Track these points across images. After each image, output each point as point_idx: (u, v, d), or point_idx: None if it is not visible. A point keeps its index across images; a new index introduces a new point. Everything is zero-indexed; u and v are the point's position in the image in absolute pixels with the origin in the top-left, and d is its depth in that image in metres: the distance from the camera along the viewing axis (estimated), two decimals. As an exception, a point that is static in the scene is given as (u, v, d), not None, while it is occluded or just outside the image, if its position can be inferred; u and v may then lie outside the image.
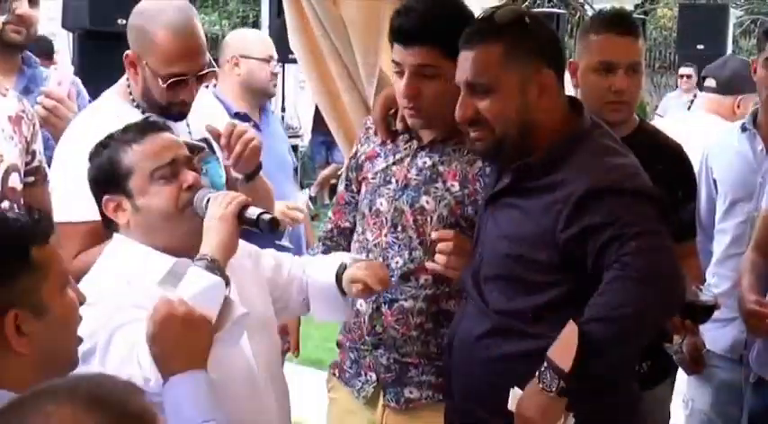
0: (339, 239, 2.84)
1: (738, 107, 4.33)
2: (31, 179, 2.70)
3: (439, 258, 2.48)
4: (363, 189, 2.71)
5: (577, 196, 2.17)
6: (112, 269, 2.19)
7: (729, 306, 3.01)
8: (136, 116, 2.61)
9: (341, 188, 2.84)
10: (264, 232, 2.22)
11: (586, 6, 17.28)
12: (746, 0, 22.71)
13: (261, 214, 2.20)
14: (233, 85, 4.03)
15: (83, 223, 2.50)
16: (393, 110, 2.68)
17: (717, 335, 3.20)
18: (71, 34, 7.77)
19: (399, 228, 2.60)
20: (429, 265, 2.51)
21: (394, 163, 2.65)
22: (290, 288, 2.48)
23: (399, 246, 2.60)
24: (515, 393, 2.18)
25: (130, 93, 2.68)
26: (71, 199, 2.53)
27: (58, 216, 2.53)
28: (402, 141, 2.67)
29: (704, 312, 2.56)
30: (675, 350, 2.64)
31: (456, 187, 2.56)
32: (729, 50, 13.68)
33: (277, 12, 9.24)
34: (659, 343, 2.68)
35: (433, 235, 2.51)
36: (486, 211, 2.40)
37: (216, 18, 20.92)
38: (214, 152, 2.80)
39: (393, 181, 2.63)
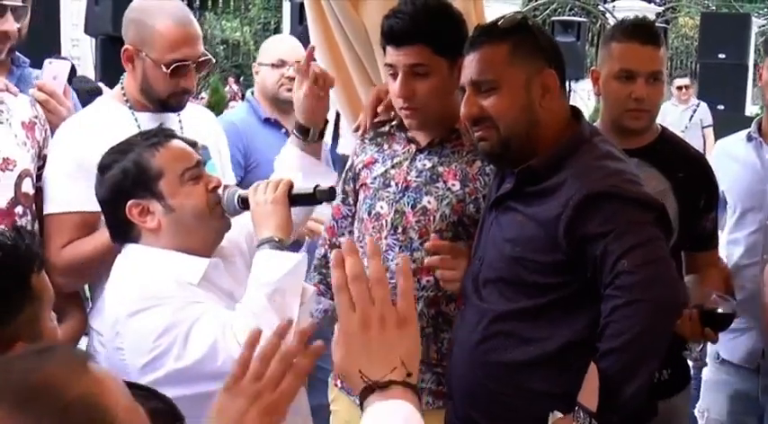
0: None
1: None
2: (42, 184, 2.71)
3: (446, 274, 2.50)
4: (362, 195, 2.73)
5: (576, 201, 2.18)
6: (147, 274, 2.18)
7: (745, 316, 3.00)
8: (125, 114, 2.71)
9: (336, 201, 2.82)
10: (323, 202, 2.35)
11: (608, 15, 17.26)
12: (769, 9, 22.63)
13: (315, 187, 2.31)
14: (257, 93, 4.06)
15: (75, 212, 2.58)
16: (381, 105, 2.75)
17: (733, 345, 3.19)
18: (94, 40, 7.83)
19: (400, 230, 2.62)
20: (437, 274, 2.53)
21: (393, 167, 2.68)
22: None
23: (400, 247, 2.61)
24: (555, 416, 2.19)
25: (124, 95, 2.76)
26: (62, 190, 2.61)
27: (49, 208, 2.64)
28: (399, 145, 2.70)
29: (724, 320, 2.57)
30: (695, 358, 2.64)
31: (457, 186, 2.59)
32: (752, 59, 13.63)
33: (299, 18, 9.26)
34: (678, 352, 2.67)
35: (426, 245, 2.53)
36: (491, 214, 2.41)
37: (237, 24, 21.01)
38: (210, 157, 2.85)
39: (393, 184, 2.66)
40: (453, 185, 2.59)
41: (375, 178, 2.69)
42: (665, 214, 2.25)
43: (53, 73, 2.88)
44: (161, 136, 2.26)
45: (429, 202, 2.59)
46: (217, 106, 13.14)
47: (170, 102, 2.72)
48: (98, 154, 2.49)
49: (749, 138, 3.25)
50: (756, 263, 3.14)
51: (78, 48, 10.88)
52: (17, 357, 1.21)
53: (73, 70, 3.22)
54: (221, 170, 2.91)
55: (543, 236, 2.24)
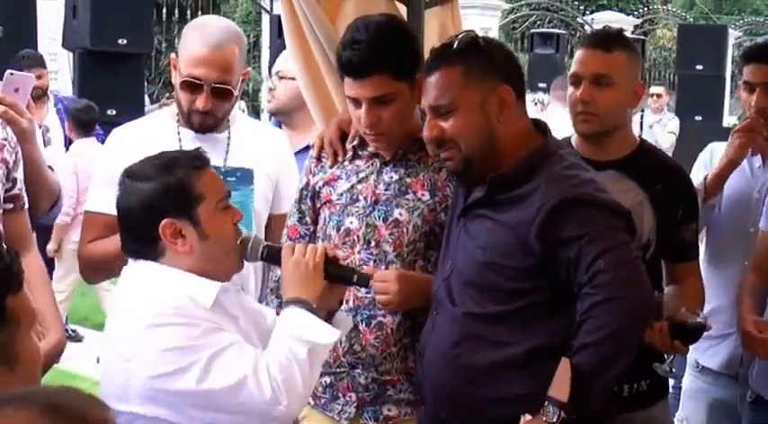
0: None
1: None
2: (10, 206, 2.69)
3: (381, 298, 2.52)
4: (327, 212, 2.70)
5: (550, 206, 2.24)
6: (164, 292, 2.15)
7: (724, 322, 3.01)
8: (171, 129, 2.81)
9: (291, 221, 2.81)
10: (357, 286, 2.43)
11: (586, 27, 17.35)
12: (745, 21, 22.85)
13: (355, 271, 2.37)
14: None
15: (108, 215, 2.58)
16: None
17: (712, 352, 3.21)
18: (72, 54, 7.80)
19: (373, 244, 2.61)
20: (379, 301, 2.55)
21: (359, 182, 2.67)
22: (262, 342, 2.42)
23: (374, 261, 2.61)
24: (525, 418, 2.22)
25: (177, 108, 2.84)
26: (101, 191, 2.77)
27: (88, 205, 2.90)
28: (362, 160, 2.69)
29: (694, 332, 2.57)
30: (665, 370, 2.64)
31: (427, 196, 2.61)
32: (729, 70, 13.73)
33: (278, 32, 9.27)
34: (653, 363, 2.67)
35: (374, 276, 2.52)
36: (459, 223, 2.44)
37: (217, 38, 21.01)
38: (251, 182, 2.83)
39: (361, 198, 2.65)
40: (423, 195, 2.61)
41: (341, 194, 2.68)
42: (631, 221, 2.34)
43: (15, 85, 2.87)
44: (203, 160, 2.23)
45: (400, 214, 2.60)
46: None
47: (191, 118, 2.77)
48: None
49: None
50: (737, 269, 3.15)
51: (56, 62, 10.82)
52: (47, 385, 1.38)
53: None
54: (269, 196, 2.91)
55: (514, 241, 2.28)
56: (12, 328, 1.59)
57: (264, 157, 2.90)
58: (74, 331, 6.74)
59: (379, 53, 2.48)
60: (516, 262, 2.29)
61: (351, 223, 2.64)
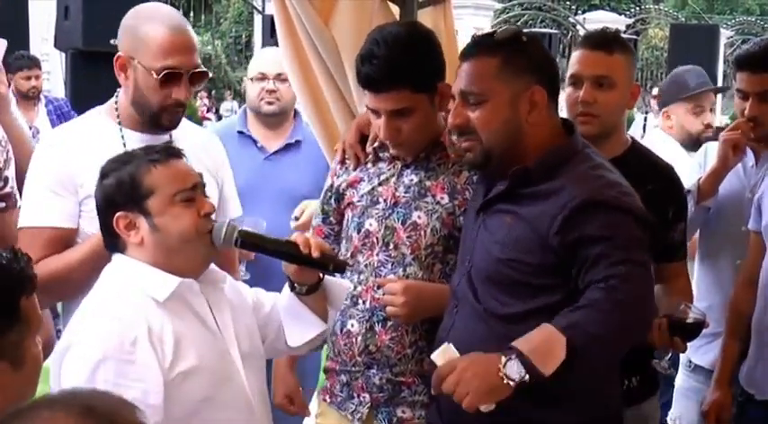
0: None
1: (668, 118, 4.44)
2: (2, 204, 2.68)
3: (389, 310, 2.53)
4: (349, 214, 2.72)
5: (576, 203, 2.20)
6: (120, 287, 2.19)
7: (717, 320, 3.01)
8: (113, 131, 2.60)
9: (316, 221, 2.84)
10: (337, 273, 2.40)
11: (578, 27, 17.39)
12: (737, 20, 22.92)
13: (332, 260, 2.36)
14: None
15: (48, 228, 2.52)
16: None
17: (705, 350, 3.22)
18: (64, 54, 7.78)
19: (391, 246, 2.62)
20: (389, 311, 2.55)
21: (380, 184, 2.67)
22: (267, 330, 2.45)
23: (393, 264, 2.61)
24: (448, 349, 2.18)
25: (116, 110, 2.63)
26: (38, 204, 2.55)
27: (23, 221, 2.58)
28: (384, 162, 2.70)
29: (693, 329, 2.58)
30: (663, 367, 2.65)
31: (446, 199, 2.60)
32: (720, 70, 13.76)
33: (270, 32, 9.27)
34: (646, 359, 2.68)
35: (383, 287, 2.54)
36: (478, 219, 2.41)
37: (209, 38, 20.98)
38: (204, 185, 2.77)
39: (381, 200, 2.65)
40: (442, 198, 2.60)
41: (362, 196, 2.69)
42: (655, 230, 2.30)
43: None
44: (163, 153, 2.24)
45: (419, 217, 2.60)
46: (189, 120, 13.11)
47: (162, 118, 2.57)
48: (80, 170, 2.47)
49: None
50: (729, 268, 3.16)
51: (48, 62, 10.81)
52: (81, 388, 1.41)
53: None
54: (218, 198, 2.76)
55: (533, 236, 2.25)
56: (23, 329, 1.63)
57: (207, 159, 2.74)
58: (66, 331, 6.73)
59: (396, 68, 2.47)
60: (534, 258, 2.25)
61: (370, 225, 2.65)
